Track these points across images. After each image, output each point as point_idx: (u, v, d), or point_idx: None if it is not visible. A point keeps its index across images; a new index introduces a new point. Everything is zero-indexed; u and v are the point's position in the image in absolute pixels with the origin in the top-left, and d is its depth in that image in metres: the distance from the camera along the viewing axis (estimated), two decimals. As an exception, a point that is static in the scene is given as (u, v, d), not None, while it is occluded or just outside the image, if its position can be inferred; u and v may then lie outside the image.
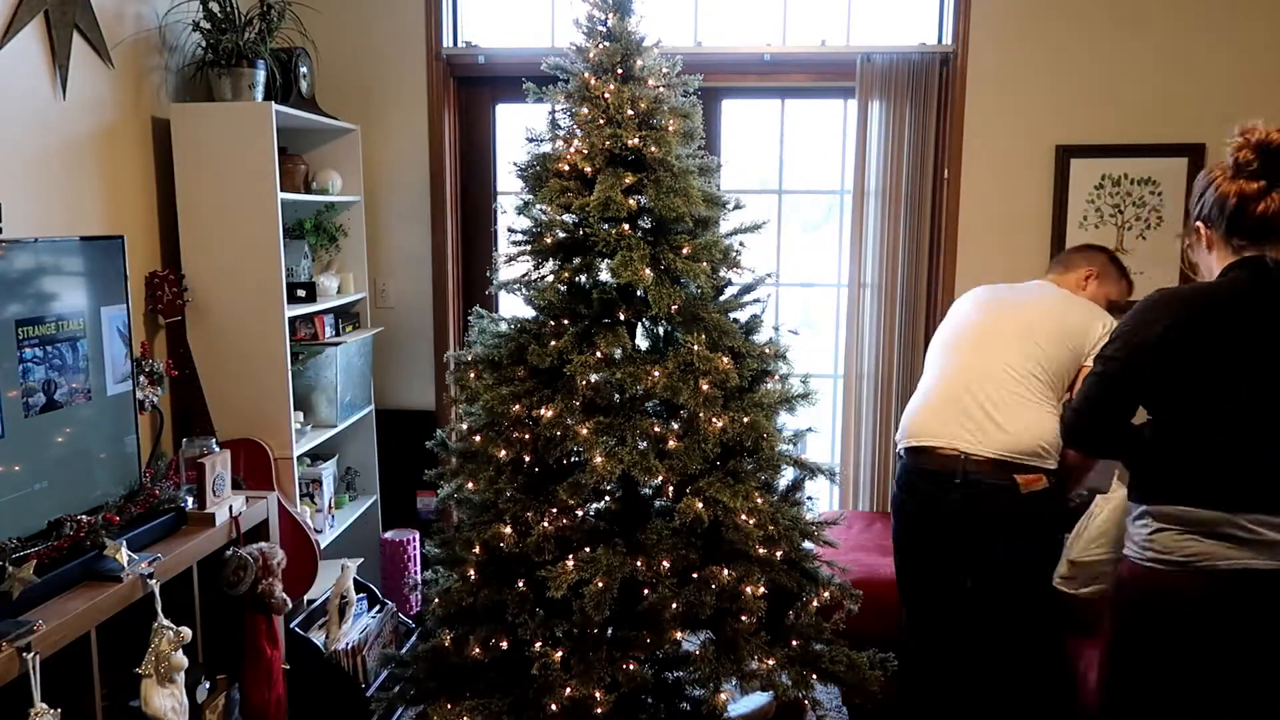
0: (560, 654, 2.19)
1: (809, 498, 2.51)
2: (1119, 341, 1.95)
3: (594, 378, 2.24)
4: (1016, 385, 2.44)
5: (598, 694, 2.13)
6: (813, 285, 3.88)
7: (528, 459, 2.30)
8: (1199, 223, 1.95)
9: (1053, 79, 3.48)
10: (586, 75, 2.37)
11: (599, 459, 2.15)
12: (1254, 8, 3.39)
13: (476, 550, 2.30)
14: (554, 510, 2.24)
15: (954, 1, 3.49)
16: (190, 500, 2.44)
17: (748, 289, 2.50)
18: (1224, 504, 1.83)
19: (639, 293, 2.29)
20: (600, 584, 2.11)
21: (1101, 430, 2.01)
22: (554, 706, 2.13)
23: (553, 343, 2.24)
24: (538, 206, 2.38)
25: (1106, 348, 1.98)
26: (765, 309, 2.52)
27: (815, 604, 2.41)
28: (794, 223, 3.86)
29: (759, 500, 2.24)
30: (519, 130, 2.52)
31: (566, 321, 2.30)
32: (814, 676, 2.33)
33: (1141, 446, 1.96)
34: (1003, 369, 2.47)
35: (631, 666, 2.19)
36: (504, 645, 2.28)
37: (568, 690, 2.13)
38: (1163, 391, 1.89)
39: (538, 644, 2.21)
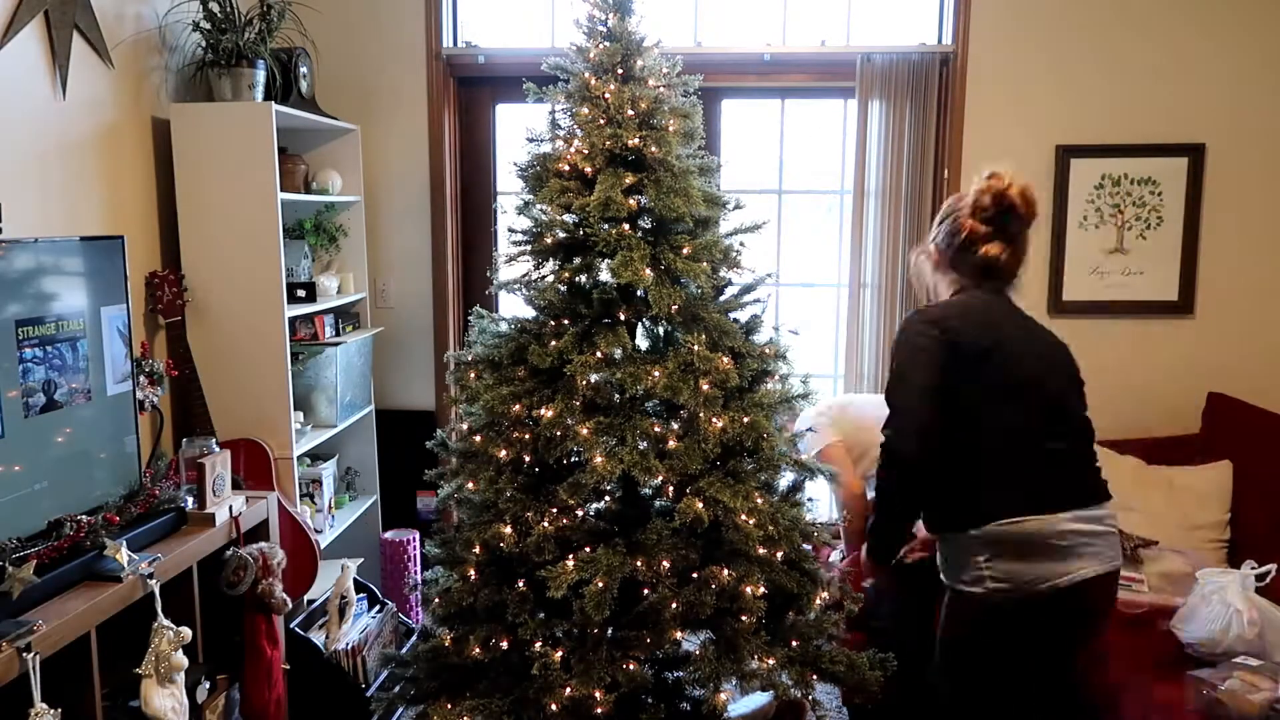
0: (560, 654, 2.18)
1: (809, 499, 2.51)
2: (907, 362, 1.97)
3: (594, 378, 2.24)
4: None
5: (598, 694, 2.13)
6: (813, 285, 3.87)
7: (528, 459, 2.30)
8: (933, 244, 2.09)
9: (1053, 79, 3.48)
10: (587, 75, 2.37)
11: (599, 459, 2.15)
12: (1254, 8, 3.39)
13: (476, 550, 2.30)
14: (554, 510, 2.24)
15: (954, 1, 3.49)
16: (190, 500, 2.44)
17: (748, 289, 2.50)
18: (1043, 506, 1.87)
19: (639, 293, 2.29)
20: (600, 584, 2.11)
21: (928, 445, 1.95)
22: (554, 706, 2.13)
23: (553, 343, 2.24)
24: (538, 206, 2.38)
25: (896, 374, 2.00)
26: (765, 309, 2.52)
27: (816, 604, 2.41)
28: (794, 223, 3.86)
29: (759, 500, 2.24)
30: (519, 130, 2.52)
31: (566, 321, 2.30)
32: (814, 676, 2.32)
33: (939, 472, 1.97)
34: None
35: (631, 666, 2.19)
36: (504, 645, 2.27)
37: (568, 690, 2.13)
38: (957, 396, 1.92)
39: (537, 644, 2.21)
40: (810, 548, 2.45)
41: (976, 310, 1.99)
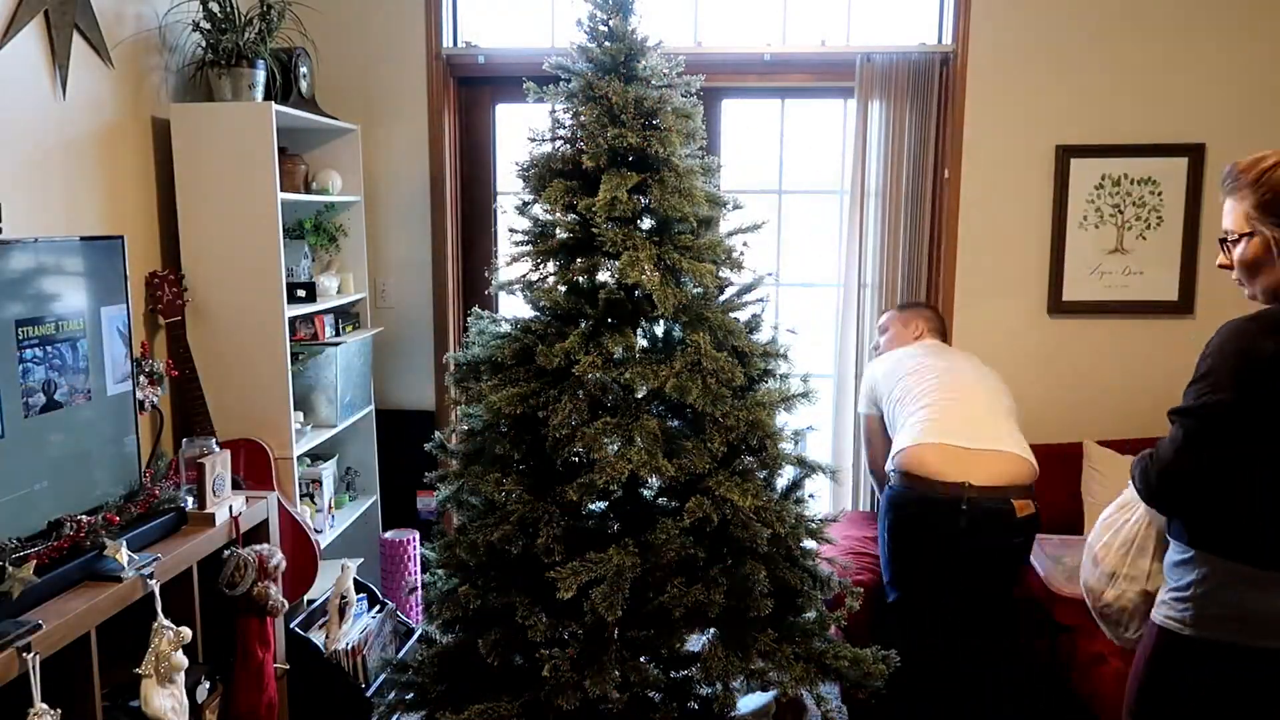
0: (570, 655, 2.18)
1: (810, 495, 2.52)
2: (1212, 377, 1.63)
3: (601, 377, 2.24)
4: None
5: (611, 694, 2.13)
6: (812, 285, 3.87)
7: (532, 460, 2.30)
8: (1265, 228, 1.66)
9: (1053, 79, 3.48)
10: (590, 75, 2.36)
11: (610, 459, 2.15)
12: (1254, 8, 3.40)
13: (482, 553, 2.30)
14: (560, 511, 2.24)
15: (954, 1, 3.49)
16: (190, 500, 2.43)
17: (748, 288, 2.50)
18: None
19: (640, 293, 2.28)
20: (612, 584, 2.11)
21: (1197, 484, 1.68)
22: (566, 707, 2.13)
23: (559, 344, 2.24)
24: (540, 206, 2.38)
25: (1198, 389, 1.67)
26: (765, 308, 2.53)
27: (820, 601, 2.41)
28: (794, 223, 3.86)
29: (765, 498, 2.24)
30: (519, 130, 2.52)
31: (572, 322, 2.30)
32: (819, 673, 2.32)
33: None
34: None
35: (642, 666, 2.19)
36: (512, 648, 2.27)
37: (580, 691, 2.12)
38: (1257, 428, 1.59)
39: (544, 646, 2.20)
40: (813, 544, 2.45)
41: None
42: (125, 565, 2.05)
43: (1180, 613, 1.67)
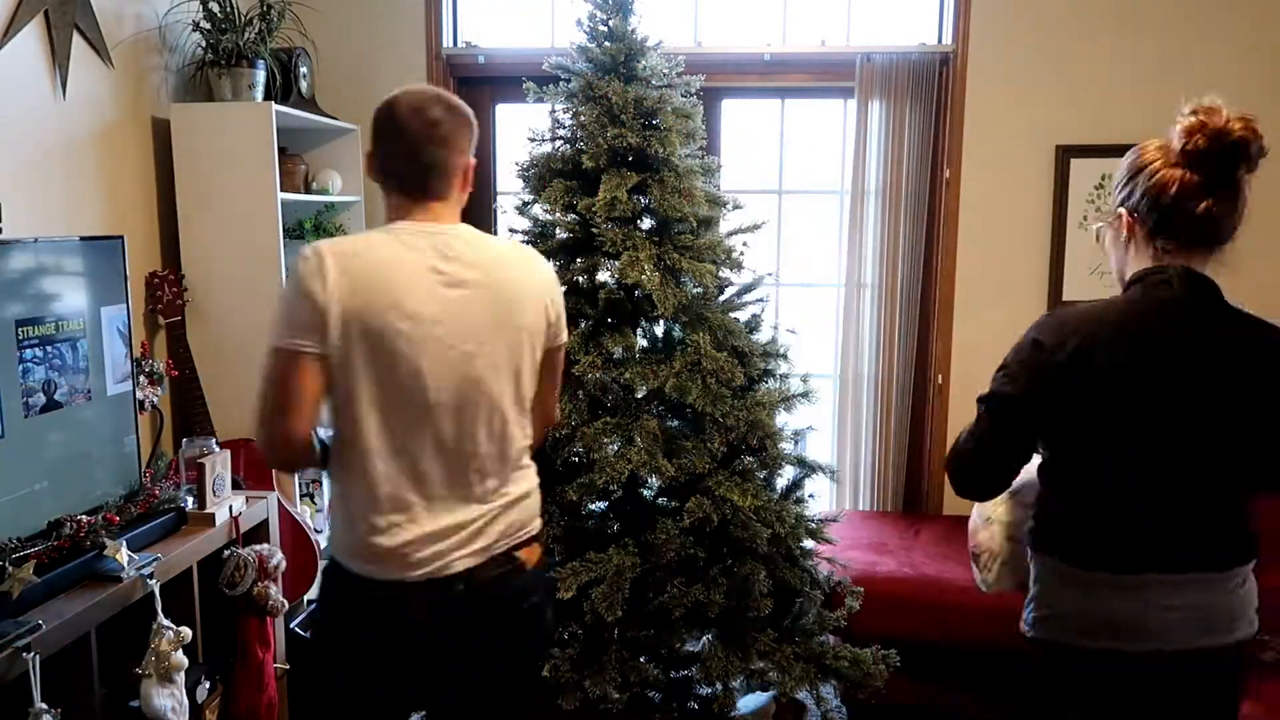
0: (570, 655, 2.18)
1: (810, 495, 2.52)
2: (1012, 367, 1.60)
3: (601, 377, 2.24)
4: None
5: (611, 694, 2.13)
6: (812, 285, 3.87)
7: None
8: (1122, 209, 1.65)
9: (1053, 79, 3.48)
10: (590, 75, 2.37)
11: (609, 459, 2.15)
12: (1254, 8, 3.40)
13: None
14: (560, 511, 2.24)
15: (954, 1, 3.49)
16: (190, 500, 2.43)
17: (748, 288, 2.50)
18: (1114, 564, 1.55)
19: (640, 293, 2.29)
20: (612, 584, 2.11)
21: (997, 474, 1.66)
22: (566, 707, 2.13)
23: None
24: (540, 206, 2.38)
25: (996, 375, 1.63)
26: (765, 308, 2.53)
27: (819, 601, 2.41)
28: (794, 223, 3.86)
29: (765, 498, 2.24)
30: (519, 130, 2.52)
31: (572, 322, 2.30)
32: (819, 673, 2.33)
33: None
34: None
35: (642, 666, 2.19)
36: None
37: (580, 691, 2.13)
38: (1064, 424, 1.55)
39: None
40: (812, 544, 2.46)
41: (1149, 322, 1.59)
42: (125, 565, 2.05)
43: (1026, 614, 1.69)
